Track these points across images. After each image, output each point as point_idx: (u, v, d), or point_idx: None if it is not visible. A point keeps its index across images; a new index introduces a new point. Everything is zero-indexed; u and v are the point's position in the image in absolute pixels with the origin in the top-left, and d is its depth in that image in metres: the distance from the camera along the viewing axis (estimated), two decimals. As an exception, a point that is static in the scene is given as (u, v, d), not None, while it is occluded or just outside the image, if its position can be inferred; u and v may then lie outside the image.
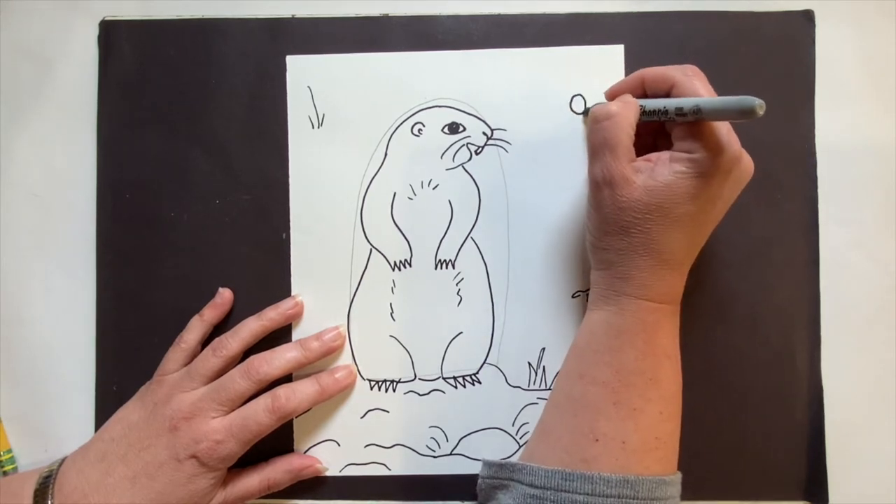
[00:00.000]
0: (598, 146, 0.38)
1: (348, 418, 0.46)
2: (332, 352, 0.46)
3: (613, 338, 0.38)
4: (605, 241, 0.39)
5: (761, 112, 0.33)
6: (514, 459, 0.39)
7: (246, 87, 0.47)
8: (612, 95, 0.43)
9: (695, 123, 0.36)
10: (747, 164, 0.38)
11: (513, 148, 0.47)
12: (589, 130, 0.39)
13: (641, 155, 0.38)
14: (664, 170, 0.36)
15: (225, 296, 0.46)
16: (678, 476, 0.38)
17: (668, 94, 0.39)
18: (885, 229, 0.47)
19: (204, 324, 0.46)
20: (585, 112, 0.46)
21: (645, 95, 0.41)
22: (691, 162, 0.36)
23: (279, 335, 0.46)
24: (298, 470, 0.45)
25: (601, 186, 0.38)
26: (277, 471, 0.45)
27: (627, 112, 0.38)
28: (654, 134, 0.41)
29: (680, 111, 0.37)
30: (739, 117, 0.34)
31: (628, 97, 0.40)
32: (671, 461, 0.38)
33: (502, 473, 0.39)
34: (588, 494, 0.35)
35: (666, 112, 0.38)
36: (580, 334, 0.41)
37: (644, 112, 0.39)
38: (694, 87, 0.37)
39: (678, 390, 0.39)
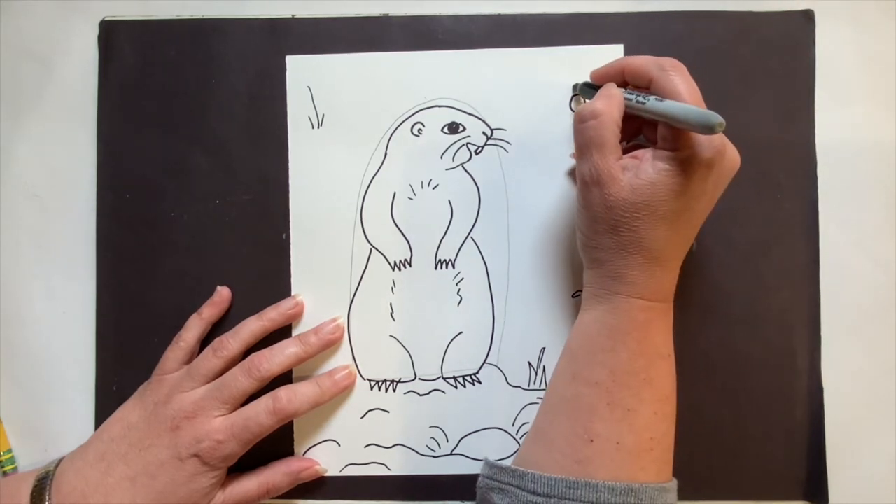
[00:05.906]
0: (584, 145, 0.38)
1: (348, 418, 0.46)
2: (331, 344, 0.46)
3: (606, 338, 0.38)
4: (596, 240, 0.39)
5: (720, 130, 0.33)
6: (513, 464, 0.39)
7: (246, 87, 0.47)
8: (597, 77, 0.43)
9: None
10: (732, 157, 0.38)
11: (513, 148, 0.47)
12: (575, 130, 0.39)
13: (630, 137, 0.38)
14: (649, 167, 0.36)
15: (223, 294, 0.46)
16: (675, 482, 0.38)
17: (647, 88, 0.39)
18: (885, 229, 0.47)
19: (202, 322, 0.46)
20: (575, 97, 0.46)
21: (626, 84, 0.41)
22: (673, 159, 0.36)
23: (279, 335, 0.46)
24: (297, 472, 0.45)
25: (589, 185, 0.38)
26: (276, 474, 0.45)
27: (612, 109, 0.38)
28: (638, 118, 0.41)
29: (653, 118, 0.37)
30: (701, 131, 0.34)
31: (613, 89, 0.39)
32: (667, 461, 0.38)
33: (502, 477, 0.38)
34: (592, 503, 0.35)
35: (643, 112, 0.38)
36: (573, 335, 0.40)
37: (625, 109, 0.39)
38: (671, 84, 0.37)
39: (672, 390, 0.39)
